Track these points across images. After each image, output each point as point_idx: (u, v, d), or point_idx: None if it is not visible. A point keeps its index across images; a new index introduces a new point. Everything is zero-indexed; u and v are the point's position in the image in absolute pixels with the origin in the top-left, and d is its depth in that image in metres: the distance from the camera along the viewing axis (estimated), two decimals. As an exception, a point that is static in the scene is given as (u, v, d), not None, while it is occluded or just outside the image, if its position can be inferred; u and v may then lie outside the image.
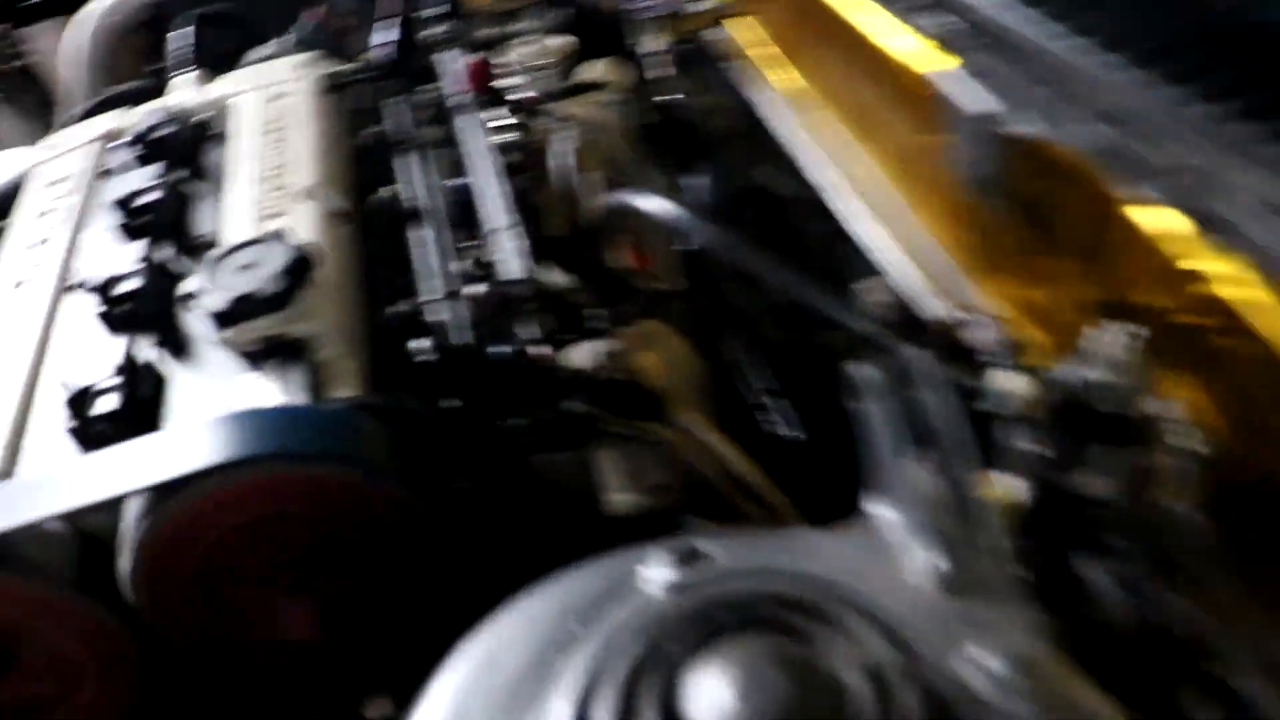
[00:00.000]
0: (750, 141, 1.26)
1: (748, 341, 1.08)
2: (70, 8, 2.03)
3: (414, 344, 0.81)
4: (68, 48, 1.97)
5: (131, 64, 2.24)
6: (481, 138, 1.07)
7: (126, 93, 1.50)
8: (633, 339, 0.87)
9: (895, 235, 0.94)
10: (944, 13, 0.87)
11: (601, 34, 1.58)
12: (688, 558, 0.48)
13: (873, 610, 0.45)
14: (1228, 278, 0.59)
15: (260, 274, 0.82)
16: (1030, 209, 0.75)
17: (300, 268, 0.82)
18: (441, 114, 1.18)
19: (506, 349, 0.79)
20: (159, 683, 0.78)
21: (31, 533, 0.72)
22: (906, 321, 0.68)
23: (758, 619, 0.44)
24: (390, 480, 0.72)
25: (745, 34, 1.40)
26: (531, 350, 0.77)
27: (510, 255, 0.89)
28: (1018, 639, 0.45)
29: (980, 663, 0.43)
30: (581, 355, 0.81)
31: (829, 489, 0.65)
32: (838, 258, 0.99)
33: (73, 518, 0.73)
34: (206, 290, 0.83)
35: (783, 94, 1.25)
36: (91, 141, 1.23)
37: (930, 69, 0.84)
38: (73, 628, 0.74)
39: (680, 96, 1.55)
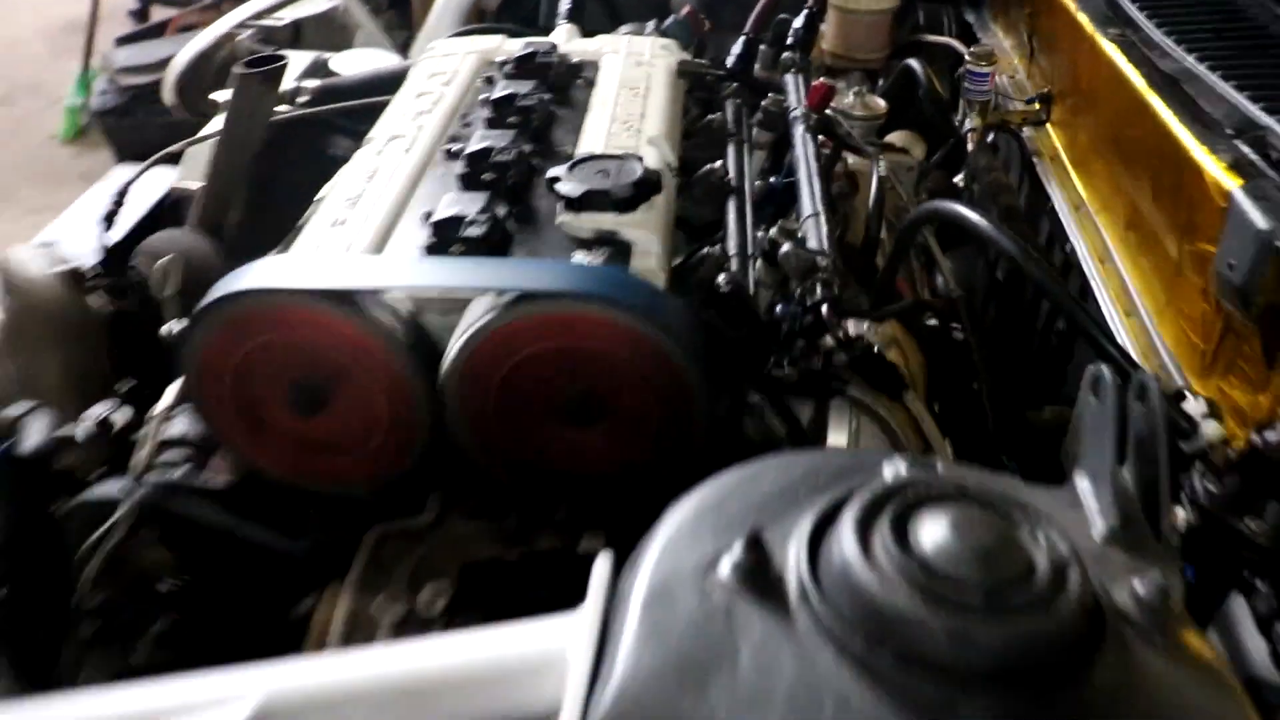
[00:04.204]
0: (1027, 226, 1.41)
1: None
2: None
3: (721, 277, 0.97)
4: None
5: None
6: (811, 145, 1.23)
7: (502, 27, 1.74)
8: (884, 333, 1.02)
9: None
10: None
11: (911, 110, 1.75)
12: (919, 463, 0.62)
13: (1061, 527, 0.57)
14: None
15: (615, 179, 1.00)
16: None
17: (649, 185, 1.00)
18: (771, 120, 1.36)
19: (801, 304, 0.94)
20: (431, 461, 0.96)
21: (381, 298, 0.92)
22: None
23: (972, 496, 0.57)
24: (689, 364, 0.87)
25: (1045, 140, 1.55)
26: (824, 310, 0.93)
27: (816, 235, 1.05)
28: (1165, 584, 0.56)
29: (1132, 588, 0.54)
30: (851, 326, 0.96)
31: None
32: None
33: (419, 304, 0.93)
34: (566, 179, 1.01)
35: (1067, 199, 1.40)
36: (473, 52, 1.45)
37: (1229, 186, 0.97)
38: (387, 383, 0.92)
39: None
